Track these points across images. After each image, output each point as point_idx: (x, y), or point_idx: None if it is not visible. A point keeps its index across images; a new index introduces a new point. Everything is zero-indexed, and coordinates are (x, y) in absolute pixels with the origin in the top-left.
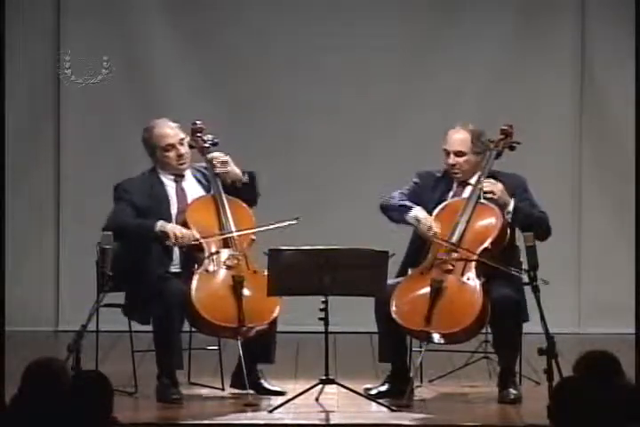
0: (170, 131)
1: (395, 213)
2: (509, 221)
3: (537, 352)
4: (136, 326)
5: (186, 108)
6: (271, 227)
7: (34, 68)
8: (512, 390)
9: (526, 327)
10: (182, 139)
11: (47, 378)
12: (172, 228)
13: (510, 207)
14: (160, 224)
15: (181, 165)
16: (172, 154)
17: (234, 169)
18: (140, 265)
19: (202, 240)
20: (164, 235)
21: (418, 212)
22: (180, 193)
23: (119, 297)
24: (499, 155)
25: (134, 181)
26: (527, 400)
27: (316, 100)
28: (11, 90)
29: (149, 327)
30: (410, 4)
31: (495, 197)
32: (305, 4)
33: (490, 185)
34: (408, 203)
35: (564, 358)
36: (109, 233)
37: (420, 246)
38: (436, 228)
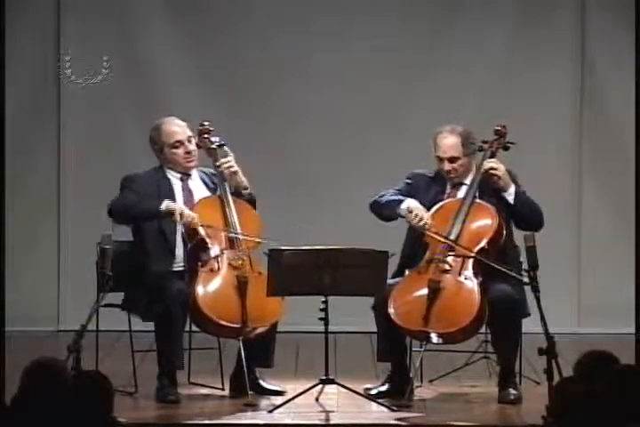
0: (178, 128)
1: (386, 209)
2: (511, 203)
3: (537, 352)
4: (136, 326)
5: (186, 108)
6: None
7: (34, 68)
8: (512, 390)
9: (526, 327)
10: (190, 136)
11: (47, 378)
12: (177, 206)
13: (511, 190)
14: (166, 203)
15: (189, 162)
16: (180, 151)
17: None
18: (144, 262)
19: (204, 228)
20: (169, 213)
21: (410, 202)
22: (187, 192)
23: (119, 297)
24: (493, 155)
25: (142, 176)
26: (527, 400)
27: (316, 100)
28: (11, 90)
29: (150, 327)
30: (410, 4)
31: (499, 173)
32: (305, 4)
33: (494, 163)
34: (400, 197)
35: (563, 358)
36: (109, 233)
37: (416, 247)
38: (428, 219)
